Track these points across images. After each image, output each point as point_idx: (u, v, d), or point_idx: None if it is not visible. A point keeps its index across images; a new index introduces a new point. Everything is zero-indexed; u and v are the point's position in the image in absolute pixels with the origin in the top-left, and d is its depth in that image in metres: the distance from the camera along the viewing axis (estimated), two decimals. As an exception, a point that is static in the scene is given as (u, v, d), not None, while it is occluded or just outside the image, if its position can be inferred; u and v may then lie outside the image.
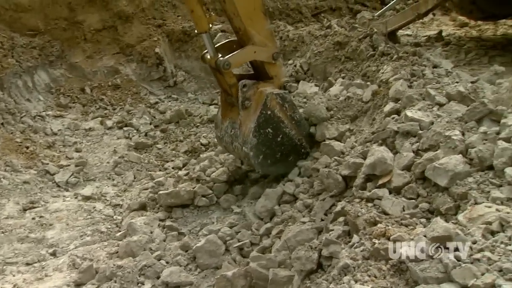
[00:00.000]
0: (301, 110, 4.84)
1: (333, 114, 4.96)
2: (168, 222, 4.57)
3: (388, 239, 2.79)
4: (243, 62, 4.60)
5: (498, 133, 3.20)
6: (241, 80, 4.51)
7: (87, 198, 5.13)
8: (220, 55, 4.42)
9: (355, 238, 3.05)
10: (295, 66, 6.99)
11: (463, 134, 3.43)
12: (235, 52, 4.43)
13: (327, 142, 4.48)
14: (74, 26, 7.92)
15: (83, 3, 8.00)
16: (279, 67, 4.66)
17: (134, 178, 5.56)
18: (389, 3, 9.18)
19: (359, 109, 5.02)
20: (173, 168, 5.81)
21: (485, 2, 7.85)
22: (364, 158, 3.85)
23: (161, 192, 4.81)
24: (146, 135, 6.63)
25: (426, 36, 8.97)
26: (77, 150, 6.04)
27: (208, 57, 4.53)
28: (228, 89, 4.57)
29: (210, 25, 4.40)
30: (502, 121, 3.25)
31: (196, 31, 4.53)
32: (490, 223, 2.54)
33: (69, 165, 5.63)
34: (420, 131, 3.70)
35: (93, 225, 4.73)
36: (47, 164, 5.70)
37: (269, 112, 4.48)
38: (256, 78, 4.66)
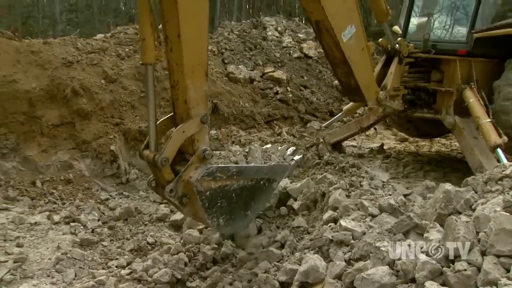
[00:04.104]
0: None
1: None
2: (103, 324, 4.41)
3: None
4: (177, 148, 4.35)
5: (421, 246, 3.36)
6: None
7: (20, 298, 4.88)
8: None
9: None
10: (244, 169, 7.15)
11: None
12: (166, 145, 4.29)
13: (265, 249, 4.56)
14: (32, 120, 7.91)
15: (43, 99, 8.06)
16: (204, 133, 4.48)
17: (75, 276, 5.35)
18: (337, 115, 9.70)
19: None
20: (116, 266, 5.65)
21: (420, 121, 8.43)
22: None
23: (100, 291, 4.68)
24: (92, 231, 6.48)
25: (369, 148, 9.44)
26: (19, 245, 5.80)
27: (147, 152, 4.40)
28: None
29: (156, 60, 4.33)
30: (425, 235, 3.43)
31: (141, 61, 4.40)
32: (409, 336, 2.61)
33: (7, 261, 5.37)
34: (353, 241, 3.83)
35: (21, 327, 4.44)
36: (-18, 261, 5.43)
37: (207, 193, 4.38)
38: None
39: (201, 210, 4.38)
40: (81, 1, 29.84)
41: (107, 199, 7.51)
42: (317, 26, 6.20)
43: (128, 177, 8.08)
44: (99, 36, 11.41)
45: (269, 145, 5.48)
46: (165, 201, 7.55)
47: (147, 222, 6.86)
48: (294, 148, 5.51)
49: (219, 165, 4.59)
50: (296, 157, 5.34)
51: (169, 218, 6.86)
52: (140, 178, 8.16)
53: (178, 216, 6.73)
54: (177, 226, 6.66)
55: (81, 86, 8.38)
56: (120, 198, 7.68)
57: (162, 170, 4.28)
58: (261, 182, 4.81)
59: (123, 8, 32.37)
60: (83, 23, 27.04)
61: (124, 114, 8.66)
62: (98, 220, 6.82)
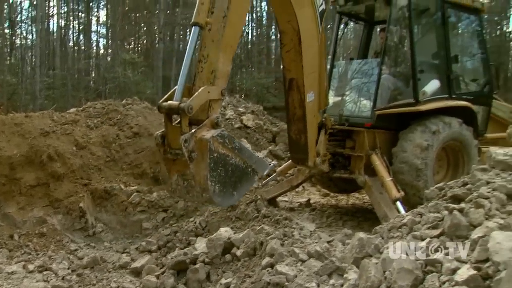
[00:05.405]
0: None
1: None
2: None
3: None
4: (201, 104, 4.08)
5: (342, 285, 3.45)
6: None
7: None
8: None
9: None
10: (195, 223, 7.07)
11: (318, 286, 3.65)
12: (193, 96, 4.02)
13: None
14: (12, 182, 7.64)
15: (23, 164, 7.83)
16: (220, 104, 4.33)
17: (46, 320, 5.05)
18: (272, 175, 9.82)
19: None
20: (83, 310, 5.38)
21: (338, 180, 8.70)
22: (245, 304, 3.89)
23: (69, 334, 4.40)
24: (63, 278, 6.13)
25: (298, 202, 9.57)
26: (-3, 293, 5.47)
27: (167, 102, 4.04)
28: (173, 142, 4.08)
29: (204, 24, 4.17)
30: (345, 275, 3.53)
31: (192, 20, 4.19)
32: None
33: (-16, 308, 5.05)
34: (287, 283, 3.87)
35: None
36: (-38, 308, 5.05)
37: (215, 155, 4.07)
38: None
39: (206, 169, 4.01)
40: (57, 80, 29.41)
41: (76, 250, 7.18)
42: (290, 83, 6.26)
43: (95, 230, 7.83)
44: (72, 109, 11.20)
45: None
46: (126, 250, 7.31)
47: (111, 270, 6.59)
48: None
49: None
50: (273, 162, 5.23)
51: (130, 266, 6.61)
52: (105, 231, 7.90)
53: (138, 264, 6.51)
54: (137, 273, 6.41)
55: (56, 152, 8.20)
56: (88, 248, 7.36)
57: (184, 118, 3.96)
58: (249, 169, 4.49)
59: (93, 85, 32.06)
60: (58, 98, 26.55)
61: (92, 176, 8.48)
62: (68, 268, 6.48)
